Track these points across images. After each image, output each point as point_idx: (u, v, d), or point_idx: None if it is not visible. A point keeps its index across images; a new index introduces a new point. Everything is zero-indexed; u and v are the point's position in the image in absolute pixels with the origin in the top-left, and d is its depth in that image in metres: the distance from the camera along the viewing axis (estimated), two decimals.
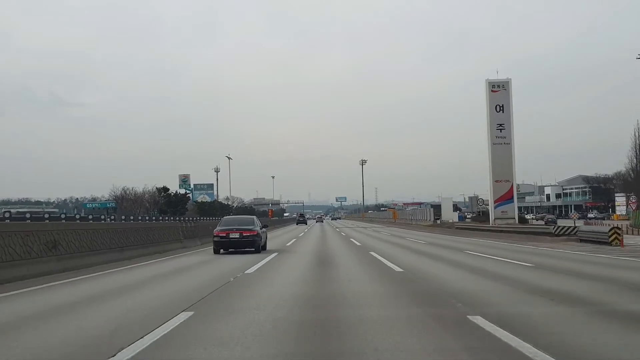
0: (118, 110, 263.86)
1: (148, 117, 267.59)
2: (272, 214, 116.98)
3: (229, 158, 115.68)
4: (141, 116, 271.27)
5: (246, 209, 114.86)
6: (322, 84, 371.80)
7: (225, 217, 27.02)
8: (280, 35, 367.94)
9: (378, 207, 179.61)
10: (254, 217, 25.96)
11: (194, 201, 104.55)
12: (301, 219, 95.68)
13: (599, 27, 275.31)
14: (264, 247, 22.16)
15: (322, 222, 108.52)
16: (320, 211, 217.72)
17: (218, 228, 21.36)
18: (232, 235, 20.64)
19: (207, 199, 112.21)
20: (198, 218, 52.30)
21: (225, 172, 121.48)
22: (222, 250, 20.75)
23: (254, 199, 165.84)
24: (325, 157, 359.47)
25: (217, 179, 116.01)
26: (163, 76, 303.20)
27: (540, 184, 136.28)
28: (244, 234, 20.73)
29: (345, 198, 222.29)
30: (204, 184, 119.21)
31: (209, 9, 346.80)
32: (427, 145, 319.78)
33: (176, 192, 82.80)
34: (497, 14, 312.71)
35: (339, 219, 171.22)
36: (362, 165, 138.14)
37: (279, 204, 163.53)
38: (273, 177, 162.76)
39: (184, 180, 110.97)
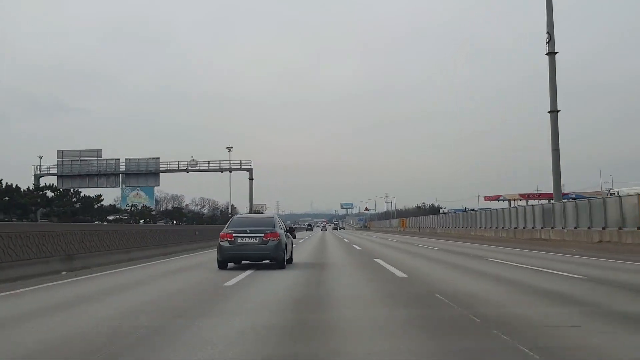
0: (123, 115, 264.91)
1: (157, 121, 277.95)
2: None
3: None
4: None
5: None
6: (332, 94, 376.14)
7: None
8: (291, 46, 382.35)
9: (395, 214, 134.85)
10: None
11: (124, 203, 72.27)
12: (309, 227, 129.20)
13: None
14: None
15: (326, 230, 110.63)
16: (323, 219, 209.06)
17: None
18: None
19: (144, 197, 74.01)
20: None
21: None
22: None
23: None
24: (331, 167, 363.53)
25: None
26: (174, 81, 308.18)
27: None
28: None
29: (351, 204, 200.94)
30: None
31: (223, 18, 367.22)
32: (433, 155, 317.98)
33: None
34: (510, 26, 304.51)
35: (343, 229, 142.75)
36: None
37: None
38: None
39: None
